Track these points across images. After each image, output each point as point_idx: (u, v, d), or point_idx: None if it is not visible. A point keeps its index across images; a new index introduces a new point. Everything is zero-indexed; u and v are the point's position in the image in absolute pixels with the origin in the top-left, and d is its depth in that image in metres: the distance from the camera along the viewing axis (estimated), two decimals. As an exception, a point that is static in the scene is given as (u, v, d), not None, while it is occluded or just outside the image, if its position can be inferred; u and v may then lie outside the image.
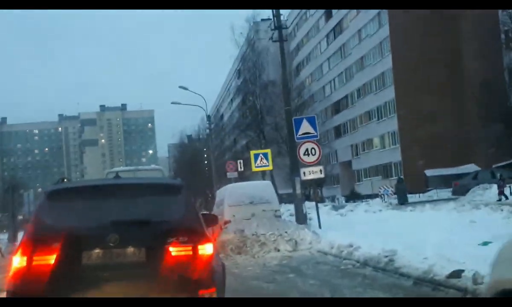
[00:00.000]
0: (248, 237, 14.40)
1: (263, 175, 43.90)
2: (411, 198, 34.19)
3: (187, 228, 5.07)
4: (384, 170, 53.89)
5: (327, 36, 67.06)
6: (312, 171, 16.79)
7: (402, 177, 25.48)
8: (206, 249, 5.04)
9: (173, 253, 4.90)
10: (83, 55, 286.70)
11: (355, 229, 14.96)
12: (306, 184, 49.53)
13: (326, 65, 67.97)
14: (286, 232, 14.48)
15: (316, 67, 70.50)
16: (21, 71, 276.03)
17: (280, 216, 17.11)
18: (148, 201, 5.26)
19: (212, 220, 6.32)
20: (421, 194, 38.52)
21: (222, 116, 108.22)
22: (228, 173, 39.73)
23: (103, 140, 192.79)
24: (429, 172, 48.51)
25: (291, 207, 28.30)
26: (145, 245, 4.90)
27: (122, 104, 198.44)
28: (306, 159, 16.77)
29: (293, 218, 18.41)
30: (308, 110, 65.59)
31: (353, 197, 40.43)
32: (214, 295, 4.98)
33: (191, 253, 4.94)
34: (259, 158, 24.54)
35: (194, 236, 5.02)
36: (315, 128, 16.84)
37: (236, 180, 40.71)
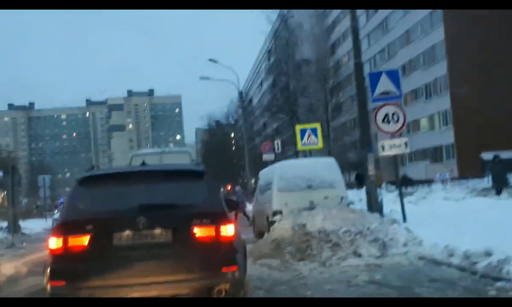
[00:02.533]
0: (313, 235, 10.08)
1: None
2: (472, 183, 29.67)
3: (210, 210, 5.42)
4: (433, 154, 48.82)
5: (367, 10, 61.83)
6: (394, 144, 12.38)
7: (498, 155, 20.40)
8: (228, 230, 5.37)
9: (197, 234, 5.26)
10: (110, 40, 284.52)
11: (464, 226, 10.51)
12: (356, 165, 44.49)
13: (365, 41, 62.70)
14: (368, 228, 10.12)
15: (355, 44, 65.26)
16: (48, 56, 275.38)
17: (348, 205, 12.80)
18: (173, 186, 5.63)
19: (233, 205, 7.03)
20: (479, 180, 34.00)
21: (251, 100, 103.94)
22: (263, 155, 35.62)
23: (130, 126, 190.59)
24: (486, 156, 43.73)
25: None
26: (171, 226, 5.26)
27: (149, 90, 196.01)
28: (386, 127, 12.38)
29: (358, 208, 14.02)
30: (346, 91, 61.20)
31: (405, 183, 35.82)
32: (236, 273, 5.30)
33: (214, 233, 5.29)
34: (307, 135, 20.30)
35: (217, 218, 5.38)
36: (397, 86, 12.40)
37: (272, 163, 36.60)
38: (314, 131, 20.43)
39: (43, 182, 37.04)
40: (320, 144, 20.45)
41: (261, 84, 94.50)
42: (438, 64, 47.16)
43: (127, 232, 5.21)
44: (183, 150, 21.52)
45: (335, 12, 70.17)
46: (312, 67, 57.33)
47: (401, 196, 12.49)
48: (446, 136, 46.40)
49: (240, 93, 44.19)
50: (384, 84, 12.30)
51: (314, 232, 10.13)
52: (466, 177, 36.08)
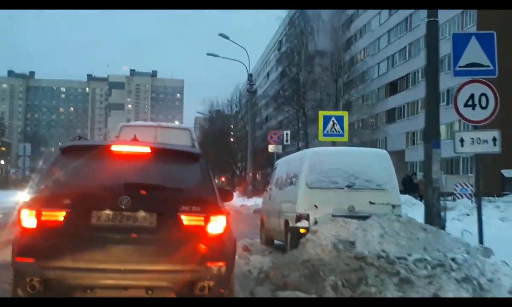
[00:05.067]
0: (369, 261, 6.49)
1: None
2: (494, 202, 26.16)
3: (201, 197, 4.96)
4: (449, 165, 45.15)
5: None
6: (479, 138, 8.77)
7: None
8: (218, 221, 4.89)
9: (185, 222, 4.80)
10: (119, 15, 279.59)
11: None
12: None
13: (384, 38, 59.16)
14: (452, 259, 6.54)
15: (372, 40, 61.66)
16: (53, 25, 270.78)
17: (400, 216, 9.21)
18: (164, 167, 5.19)
19: (227, 195, 5.73)
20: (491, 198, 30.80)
21: (256, 91, 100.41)
22: (270, 146, 32.17)
23: (129, 105, 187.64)
24: (507, 173, 40.47)
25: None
26: (156, 210, 4.79)
27: (152, 71, 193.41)
28: (469, 114, 8.77)
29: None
30: (359, 89, 57.68)
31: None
32: (223, 270, 4.83)
33: (203, 223, 4.83)
34: (331, 123, 16.83)
35: (208, 206, 4.91)
36: (491, 56, 8.81)
37: (279, 156, 33.04)
38: (339, 119, 16.96)
39: (23, 150, 33.72)
40: (346, 136, 16.96)
41: (268, 75, 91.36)
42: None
43: (108, 212, 4.75)
44: (182, 126, 17.98)
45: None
46: (326, 59, 53.84)
47: (480, 212, 8.89)
48: (466, 147, 42.84)
49: (250, 75, 40.51)
50: (473, 52, 8.76)
51: (370, 256, 6.55)
52: (491, 194, 32.71)
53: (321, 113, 17.44)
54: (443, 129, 46.82)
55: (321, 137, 17.17)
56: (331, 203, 9.08)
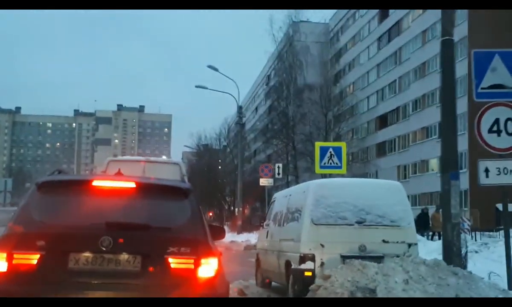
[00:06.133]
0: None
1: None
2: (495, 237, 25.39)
3: (191, 238, 4.57)
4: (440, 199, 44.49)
5: (379, 39, 58.05)
6: (506, 168, 7.86)
7: None
8: (210, 264, 4.50)
9: (172, 265, 4.41)
10: (105, 50, 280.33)
11: None
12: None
13: (374, 72, 59.00)
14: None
15: (361, 74, 61.57)
16: (40, 60, 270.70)
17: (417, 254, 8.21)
18: (150, 204, 4.78)
19: (219, 232, 5.39)
20: (491, 233, 30.14)
21: (244, 124, 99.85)
22: (261, 179, 31.23)
23: (116, 141, 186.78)
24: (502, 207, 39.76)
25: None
26: (141, 252, 4.42)
27: (140, 106, 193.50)
28: (494, 142, 7.88)
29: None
30: (348, 122, 57.20)
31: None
32: None
33: (192, 266, 4.43)
34: (328, 155, 15.95)
35: (198, 247, 4.51)
36: (518, 76, 7.95)
37: (270, 190, 32.09)
38: (337, 151, 16.07)
39: (4, 186, 32.26)
40: (344, 168, 16.05)
41: (256, 109, 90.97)
42: (458, 100, 43.14)
43: (87, 254, 4.34)
44: (172, 161, 17.30)
45: (342, 42, 66.61)
46: (315, 93, 53.48)
47: (509, 253, 7.90)
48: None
49: (240, 107, 39.75)
50: (497, 71, 7.91)
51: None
52: (490, 229, 32.04)
53: (318, 144, 16.58)
54: (434, 162, 46.40)
55: (318, 170, 16.27)
56: (339, 242, 8.07)
